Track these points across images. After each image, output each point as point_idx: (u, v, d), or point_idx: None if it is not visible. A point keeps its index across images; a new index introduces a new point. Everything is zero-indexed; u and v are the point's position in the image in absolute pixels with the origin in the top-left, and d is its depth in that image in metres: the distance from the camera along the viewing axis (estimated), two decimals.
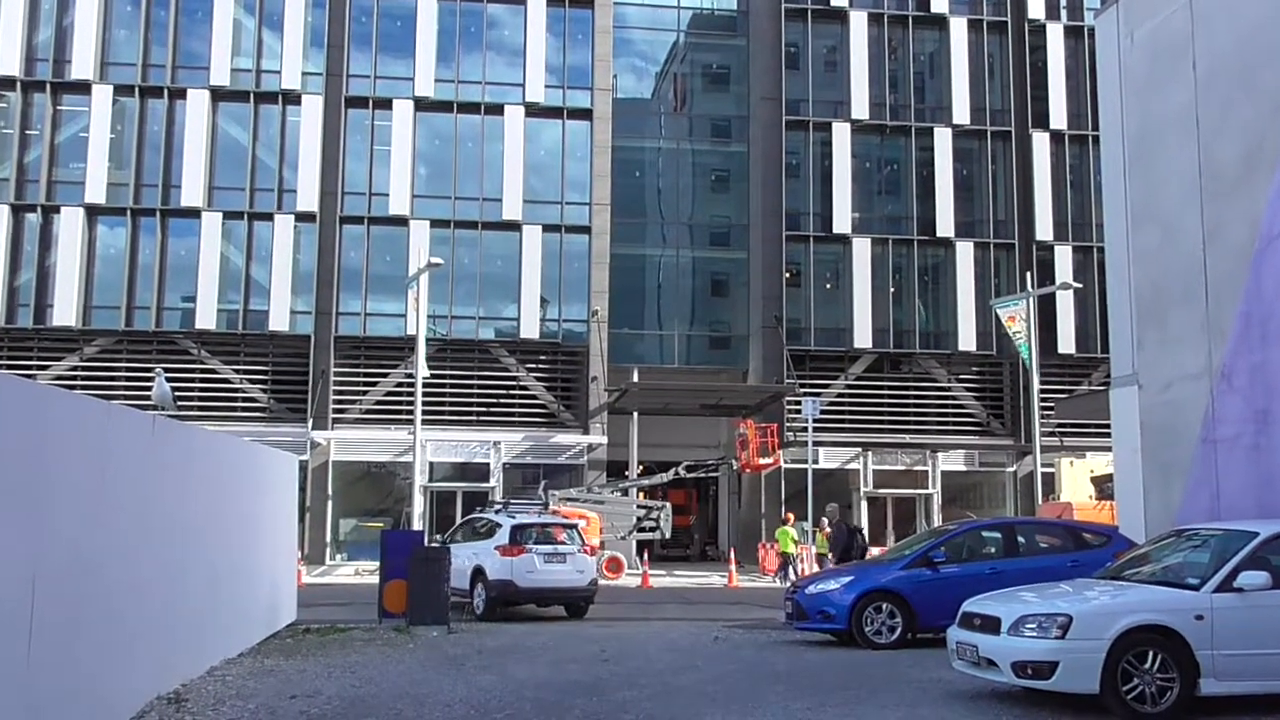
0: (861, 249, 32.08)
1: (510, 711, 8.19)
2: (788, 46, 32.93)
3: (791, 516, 26.35)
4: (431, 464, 29.71)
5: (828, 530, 20.75)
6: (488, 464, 30.11)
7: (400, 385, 29.34)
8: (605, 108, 31.70)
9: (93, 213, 29.48)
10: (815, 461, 28.69)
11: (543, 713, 8.17)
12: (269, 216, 29.95)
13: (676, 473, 28.80)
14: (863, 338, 31.72)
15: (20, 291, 29.23)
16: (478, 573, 16.16)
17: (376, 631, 13.39)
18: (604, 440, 30.34)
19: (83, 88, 29.64)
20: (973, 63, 33.26)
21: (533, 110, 31.16)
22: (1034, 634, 7.94)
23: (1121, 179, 13.24)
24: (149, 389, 24.69)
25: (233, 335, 29.67)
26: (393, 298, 29.90)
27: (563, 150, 31.35)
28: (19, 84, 29.31)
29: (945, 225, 32.48)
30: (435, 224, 30.23)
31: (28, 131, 29.61)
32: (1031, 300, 25.74)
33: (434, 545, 16.66)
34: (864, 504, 31.70)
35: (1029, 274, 28.48)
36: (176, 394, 26.51)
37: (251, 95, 30.32)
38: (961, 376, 32.69)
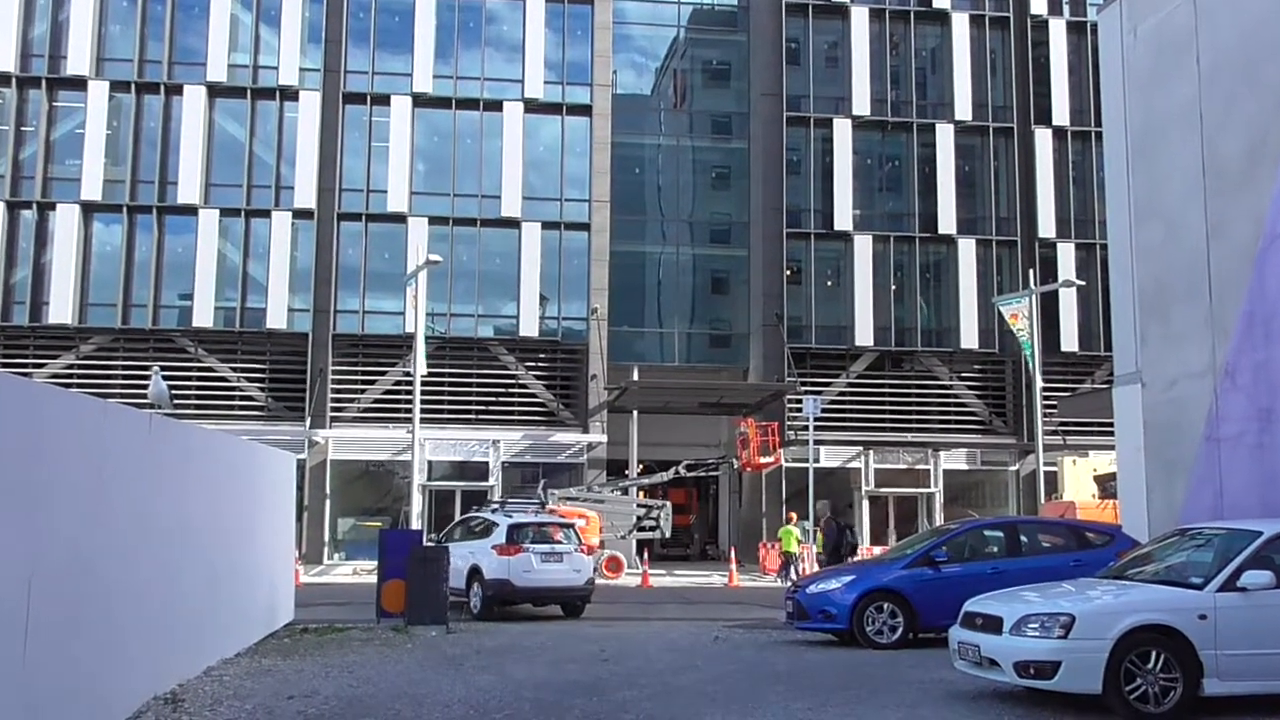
0: (863, 246, 31.99)
1: (509, 712, 8.14)
2: (788, 42, 32.83)
3: (794, 516, 26.29)
4: (430, 463, 29.64)
5: None
6: (487, 463, 30.04)
7: (399, 383, 29.23)
8: (605, 104, 31.61)
9: (89, 210, 29.39)
10: (816, 460, 28.66)
11: (542, 713, 8.12)
12: (266, 213, 29.87)
13: (676, 472, 28.73)
14: (864, 335, 31.64)
15: (16, 289, 29.15)
16: (474, 572, 16.09)
17: (374, 631, 13.34)
18: (604, 439, 30.27)
19: (79, 84, 29.55)
20: (975, 58, 33.17)
21: (532, 106, 31.07)
22: (1036, 634, 7.90)
23: (1124, 175, 13.16)
24: (146, 387, 24.51)
25: (230, 333, 29.59)
26: (391, 295, 29.84)
27: (562, 147, 31.26)
28: (14, 80, 29.23)
29: (947, 222, 32.39)
30: (434, 221, 30.15)
31: (23, 128, 29.53)
32: (1034, 298, 25.71)
33: (432, 545, 16.57)
34: (865, 503, 31.64)
35: (1031, 271, 28.46)
36: (173, 392, 26.41)
37: (249, 91, 30.24)
38: (963, 374, 32.61)
